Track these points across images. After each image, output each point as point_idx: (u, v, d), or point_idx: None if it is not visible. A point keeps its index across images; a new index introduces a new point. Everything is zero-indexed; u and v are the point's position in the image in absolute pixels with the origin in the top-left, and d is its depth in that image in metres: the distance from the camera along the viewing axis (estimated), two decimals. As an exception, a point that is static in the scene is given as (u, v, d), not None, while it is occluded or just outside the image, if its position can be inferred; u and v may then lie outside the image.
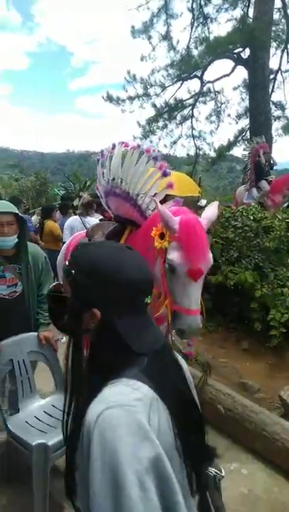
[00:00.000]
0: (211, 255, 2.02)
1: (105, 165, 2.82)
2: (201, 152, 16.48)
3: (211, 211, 2.17)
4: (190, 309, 1.95)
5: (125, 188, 2.56)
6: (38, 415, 2.42)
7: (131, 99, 14.45)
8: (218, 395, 3.04)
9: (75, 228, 5.16)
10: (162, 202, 2.56)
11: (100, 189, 3.05)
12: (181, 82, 14.38)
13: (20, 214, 2.47)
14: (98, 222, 3.76)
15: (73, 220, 5.47)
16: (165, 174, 2.44)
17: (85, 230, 3.45)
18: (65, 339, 2.57)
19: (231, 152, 16.48)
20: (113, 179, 2.67)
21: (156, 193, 2.51)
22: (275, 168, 8.99)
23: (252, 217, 4.27)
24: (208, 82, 14.45)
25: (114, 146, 2.82)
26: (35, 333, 2.58)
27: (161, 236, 2.05)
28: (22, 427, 2.29)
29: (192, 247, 1.93)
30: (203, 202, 7.82)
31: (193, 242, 1.94)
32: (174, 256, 1.96)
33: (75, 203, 8.75)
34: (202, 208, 7.23)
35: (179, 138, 16.07)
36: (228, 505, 2.30)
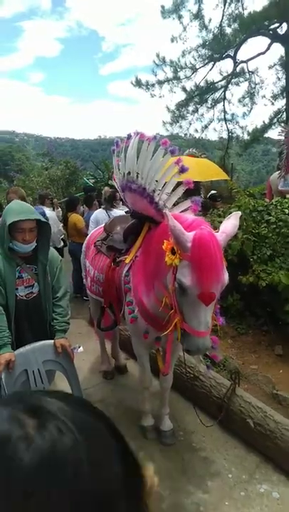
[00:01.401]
0: (226, 276, 1.84)
1: (121, 156, 2.64)
2: (233, 136, 15.83)
3: (230, 224, 1.94)
4: (199, 331, 1.84)
5: (141, 184, 2.40)
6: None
7: (160, 83, 14.03)
8: (247, 408, 2.81)
9: (100, 222, 5.01)
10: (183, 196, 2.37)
11: (116, 182, 2.88)
12: (212, 63, 13.77)
13: (42, 219, 2.38)
14: (118, 215, 3.60)
15: (99, 213, 5.31)
16: (183, 170, 2.23)
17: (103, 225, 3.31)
18: (82, 348, 2.46)
19: (266, 134, 15.75)
20: (129, 173, 2.52)
21: (172, 191, 2.33)
22: None
23: (287, 211, 3.92)
24: (242, 61, 13.76)
25: (129, 136, 2.64)
26: (51, 341, 2.46)
27: (173, 251, 1.85)
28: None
29: (205, 269, 1.74)
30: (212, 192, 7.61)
31: (206, 264, 1.74)
32: (184, 277, 1.80)
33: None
34: (215, 198, 7.06)
35: (211, 122, 15.54)
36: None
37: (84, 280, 3.49)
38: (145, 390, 2.90)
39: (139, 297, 2.43)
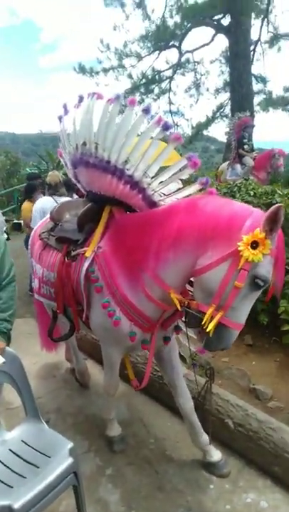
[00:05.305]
0: None
1: (72, 124, 2.19)
2: (178, 130, 15.86)
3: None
4: (241, 324, 1.69)
5: (103, 156, 1.95)
6: (3, 457, 1.83)
7: (105, 70, 13.50)
8: (226, 407, 2.52)
9: (48, 212, 4.39)
10: None
11: (64, 157, 2.42)
12: (158, 52, 13.51)
13: None
14: (65, 200, 3.12)
15: (46, 201, 4.65)
16: (167, 127, 1.83)
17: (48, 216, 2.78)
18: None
19: (206, 132, 16.05)
20: (84, 144, 2.05)
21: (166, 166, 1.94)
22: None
23: (252, 193, 3.72)
24: (187, 51, 13.65)
25: (81, 98, 2.17)
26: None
27: (254, 246, 1.58)
28: (-20, 478, 1.70)
29: (283, 263, 1.69)
30: None
31: (283, 257, 1.69)
32: (269, 272, 1.63)
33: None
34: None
35: (156, 114, 15.34)
36: None
37: (32, 282, 2.92)
38: (111, 397, 2.51)
39: (121, 293, 1.96)
